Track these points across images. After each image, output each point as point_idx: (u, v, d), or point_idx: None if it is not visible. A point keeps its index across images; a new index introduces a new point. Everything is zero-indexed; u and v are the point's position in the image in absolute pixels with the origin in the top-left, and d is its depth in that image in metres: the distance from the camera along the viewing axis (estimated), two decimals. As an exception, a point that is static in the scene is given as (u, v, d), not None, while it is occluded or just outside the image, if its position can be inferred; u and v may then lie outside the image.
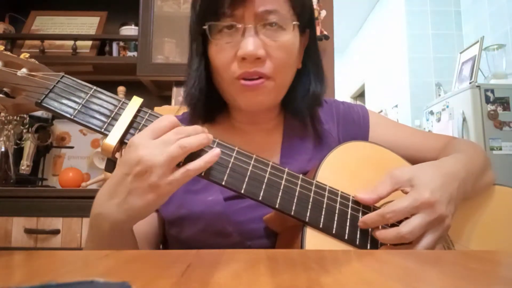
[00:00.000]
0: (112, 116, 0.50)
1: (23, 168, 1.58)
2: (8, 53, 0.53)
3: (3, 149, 1.50)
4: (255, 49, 0.55)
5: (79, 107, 0.49)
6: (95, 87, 0.51)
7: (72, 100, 0.50)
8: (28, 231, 1.30)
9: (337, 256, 0.37)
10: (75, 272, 0.29)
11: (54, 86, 0.50)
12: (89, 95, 0.50)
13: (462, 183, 0.54)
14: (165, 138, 0.45)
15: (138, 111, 0.50)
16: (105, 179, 1.53)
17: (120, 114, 0.49)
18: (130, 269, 0.30)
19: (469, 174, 0.57)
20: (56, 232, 1.30)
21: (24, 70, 0.51)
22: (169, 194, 0.46)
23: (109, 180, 0.47)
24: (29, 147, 1.60)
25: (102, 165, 1.58)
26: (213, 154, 0.47)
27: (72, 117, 0.49)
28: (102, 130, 0.49)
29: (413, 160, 0.64)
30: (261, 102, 0.60)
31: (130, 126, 0.49)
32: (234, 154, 0.51)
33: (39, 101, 0.49)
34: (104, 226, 0.46)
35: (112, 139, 0.47)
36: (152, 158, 0.43)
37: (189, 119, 0.68)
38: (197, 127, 0.48)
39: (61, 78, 0.51)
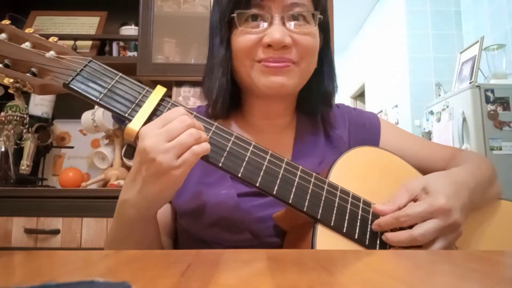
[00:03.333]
0: (136, 102, 0.51)
1: (23, 168, 1.58)
2: (37, 35, 0.54)
3: (3, 149, 1.50)
4: (282, 37, 0.56)
5: (105, 91, 0.51)
6: (120, 74, 0.53)
7: (98, 84, 0.51)
8: (28, 231, 1.30)
9: (338, 256, 0.37)
10: (75, 272, 0.29)
11: (82, 69, 0.51)
12: (115, 80, 0.52)
13: (472, 192, 0.55)
14: (169, 126, 0.46)
15: (162, 100, 0.52)
16: (105, 179, 1.53)
17: (144, 101, 0.51)
18: (130, 269, 0.30)
19: (477, 185, 0.57)
20: (56, 232, 1.30)
21: (52, 52, 0.52)
22: (182, 178, 0.47)
23: (131, 168, 0.49)
24: (29, 147, 1.60)
25: (102, 165, 1.58)
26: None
27: (98, 101, 0.50)
28: (126, 115, 0.50)
29: (420, 169, 0.64)
30: (285, 84, 0.59)
31: (153, 113, 0.50)
32: (251, 148, 0.52)
33: (67, 82, 0.50)
34: (130, 212, 0.49)
35: (135, 124, 0.48)
36: (157, 147, 0.45)
37: (206, 113, 0.68)
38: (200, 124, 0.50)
39: (88, 62, 0.52)
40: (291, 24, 0.59)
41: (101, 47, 1.75)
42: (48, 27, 1.79)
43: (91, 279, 0.22)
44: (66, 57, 0.52)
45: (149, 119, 0.49)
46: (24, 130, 1.55)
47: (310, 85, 0.66)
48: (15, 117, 1.48)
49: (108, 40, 1.73)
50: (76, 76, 0.50)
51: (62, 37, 1.74)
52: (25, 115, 1.51)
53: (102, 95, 0.50)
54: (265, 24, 0.58)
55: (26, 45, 0.52)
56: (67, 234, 1.31)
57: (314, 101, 0.67)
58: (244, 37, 0.59)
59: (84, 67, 0.51)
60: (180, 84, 1.65)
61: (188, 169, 0.47)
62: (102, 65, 0.53)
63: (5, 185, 1.46)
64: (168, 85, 1.68)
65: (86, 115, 1.54)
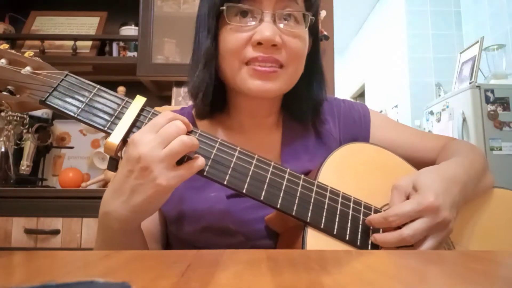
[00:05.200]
0: (115, 115, 0.50)
1: (23, 168, 1.58)
2: (13, 51, 0.53)
3: (3, 149, 1.50)
4: (273, 35, 0.55)
5: (83, 106, 0.49)
6: (98, 86, 0.52)
7: (76, 99, 0.50)
8: (28, 231, 1.30)
9: (337, 256, 0.37)
10: (75, 272, 0.29)
11: (58, 84, 0.50)
12: (92, 93, 0.51)
13: (464, 187, 0.54)
14: (163, 133, 0.45)
15: (141, 110, 0.50)
16: (105, 179, 1.53)
17: (124, 113, 0.49)
18: (130, 269, 0.30)
19: (469, 178, 0.57)
20: (56, 232, 1.30)
21: (28, 68, 0.51)
22: (171, 190, 0.46)
23: (114, 179, 0.48)
24: (29, 147, 1.60)
25: (102, 165, 1.58)
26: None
27: (75, 116, 0.49)
28: (105, 128, 0.49)
29: (412, 161, 0.64)
30: (268, 90, 0.58)
31: (133, 125, 0.49)
32: (236, 154, 0.51)
33: (43, 99, 0.49)
34: (113, 224, 0.47)
35: (115, 138, 0.47)
36: (152, 154, 0.43)
37: (191, 114, 0.68)
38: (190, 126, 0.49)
39: (65, 77, 0.51)
40: (281, 24, 0.57)
41: (101, 47, 1.75)
42: (48, 27, 1.79)
43: (91, 279, 0.22)
44: (42, 72, 0.51)
45: (129, 132, 0.48)
46: (24, 130, 1.55)
47: (299, 90, 0.65)
48: (15, 117, 1.48)
49: (108, 40, 1.73)
50: (52, 92, 0.49)
51: (62, 37, 1.75)
52: (25, 115, 1.51)
53: (79, 110, 0.49)
54: (255, 22, 0.56)
55: (2, 62, 0.51)
56: (67, 234, 1.31)
57: (303, 108, 0.66)
58: (233, 36, 0.57)
59: (61, 82, 0.50)
60: (180, 84, 1.65)
61: (179, 183, 0.46)
62: (80, 78, 0.52)
63: (5, 185, 1.46)
64: (168, 85, 1.68)
65: (86, 115, 1.54)
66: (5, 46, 0.54)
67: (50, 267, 0.31)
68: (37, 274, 0.29)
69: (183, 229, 0.59)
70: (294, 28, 0.58)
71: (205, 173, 0.48)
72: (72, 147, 1.76)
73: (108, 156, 0.49)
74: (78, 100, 0.50)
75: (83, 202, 1.33)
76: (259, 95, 0.59)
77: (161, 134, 0.45)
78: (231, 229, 0.57)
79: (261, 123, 0.68)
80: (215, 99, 0.63)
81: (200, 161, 0.47)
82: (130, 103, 0.51)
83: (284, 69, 0.58)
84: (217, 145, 0.51)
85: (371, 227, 0.52)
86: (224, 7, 0.57)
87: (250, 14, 0.57)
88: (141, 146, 0.44)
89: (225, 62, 0.59)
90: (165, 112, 0.48)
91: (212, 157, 0.50)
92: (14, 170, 1.52)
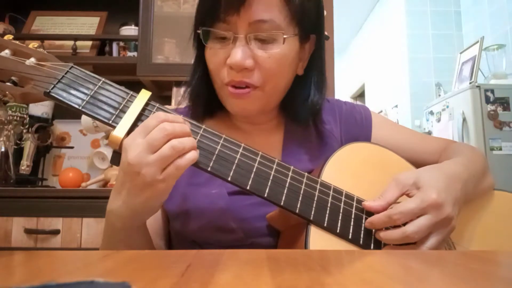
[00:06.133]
0: (120, 108, 0.49)
1: (23, 168, 1.58)
2: (17, 42, 0.53)
3: (3, 149, 1.50)
4: (242, 60, 0.55)
5: (88, 98, 0.49)
6: (103, 79, 0.51)
7: (80, 91, 0.49)
8: (28, 231, 1.30)
9: (338, 256, 0.37)
10: (75, 272, 0.29)
11: (63, 76, 0.50)
12: (97, 86, 0.50)
13: (464, 184, 0.54)
14: (150, 139, 0.44)
15: (146, 104, 0.50)
16: (105, 179, 1.53)
17: (128, 107, 0.49)
18: (130, 269, 0.30)
19: (470, 176, 0.57)
20: (56, 232, 1.30)
21: (32, 59, 0.51)
22: (167, 190, 0.46)
23: (117, 179, 0.48)
24: (29, 147, 1.60)
25: (102, 165, 1.58)
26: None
27: (80, 108, 0.48)
28: (110, 122, 0.48)
29: (413, 162, 0.64)
30: (248, 109, 0.60)
31: (138, 118, 0.49)
32: (240, 150, 0.51)
33: (48, 91, 0.48)
34: (115, 222, 0.48)
35: (120, 131, 0.47)
36: (140, 160, 0.43)
37: (191, 114, 0.69)
38: (184, 126, 0.47)
39: (70, 69, 0.51)
40: (255, 45, 0.56)
41: (101, 47, 1.75)
42: (48, 27, 1.79)
43: (91, 279, 0.22)
44: (47, 63, 0.51)
45: (134, 126, 0.48)
46: (24, 130, 1.55)
47: (295, 92, 0.65)
48: (15, 117, 1.48)
49: (108, 40, 1.73)
50: (57, 83, 0.49)
51: (62, 37, 1.75)
52: (25, 115, 1.51)
53: (84, 102, 0.48)
54: (230, 43, 0.56)
55: (6, 52, 0.50)
56: (67, 234, 1.31)
57: (300, 111, 0.66)
58: (211, 58, 0.59)
59: (65, 73, 0.50)
60: (180, 84, 1.65)
61: (173, 182, 0.46)
62: (84, 71, 0.51)
63: (5, 185, 1.46)
64: (168, 85, 1.68)
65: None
66: (9, 36, 0.53)
67: (50, 267, 0.31)
68: (37, 274, 0.29)
69: (185, 226, 0.60)
70: (270, 47, 0.57)
71: (209, 169, 0.48)
72: (72, 147, 1.76)
73: (108, 157, 0.49)
74: (83, 92, 0.49)
75: (83, 202, 1.33)
76: (239, 114, 0.62)
77: (148, 140, 0.44)
78: (232, 226, 0.57)
79: (261, 128, 0.68)
80: (215, 100, 0.64)
81: (189, 156, 0.45)
82: (135, 97, 0.50)
83: (259, 89, 0.58)
84: (221, 141, 0.51)
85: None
86: (200, 31, 0.58)
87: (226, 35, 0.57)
88: (130, 151, 0.44)
89: (212, 79, 0.62)
90: (157, 113, 0.47)
91: (216, 152, 0.49)
92: (14, 170, 1.52)
